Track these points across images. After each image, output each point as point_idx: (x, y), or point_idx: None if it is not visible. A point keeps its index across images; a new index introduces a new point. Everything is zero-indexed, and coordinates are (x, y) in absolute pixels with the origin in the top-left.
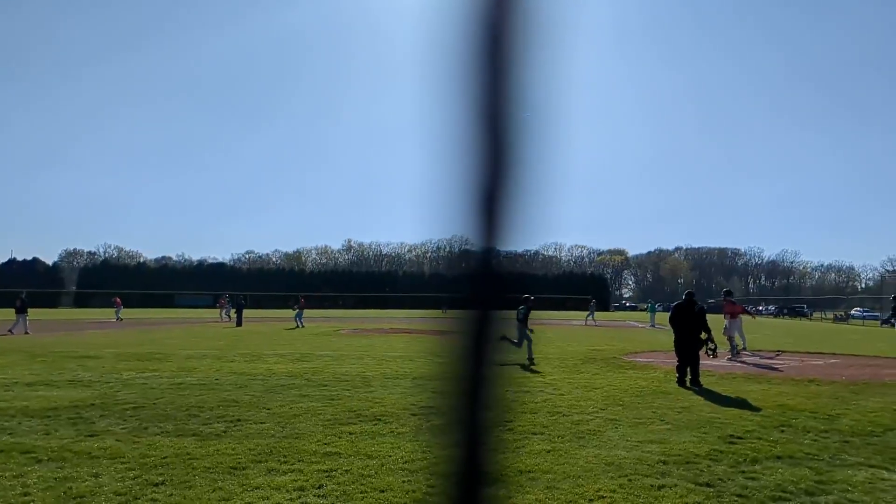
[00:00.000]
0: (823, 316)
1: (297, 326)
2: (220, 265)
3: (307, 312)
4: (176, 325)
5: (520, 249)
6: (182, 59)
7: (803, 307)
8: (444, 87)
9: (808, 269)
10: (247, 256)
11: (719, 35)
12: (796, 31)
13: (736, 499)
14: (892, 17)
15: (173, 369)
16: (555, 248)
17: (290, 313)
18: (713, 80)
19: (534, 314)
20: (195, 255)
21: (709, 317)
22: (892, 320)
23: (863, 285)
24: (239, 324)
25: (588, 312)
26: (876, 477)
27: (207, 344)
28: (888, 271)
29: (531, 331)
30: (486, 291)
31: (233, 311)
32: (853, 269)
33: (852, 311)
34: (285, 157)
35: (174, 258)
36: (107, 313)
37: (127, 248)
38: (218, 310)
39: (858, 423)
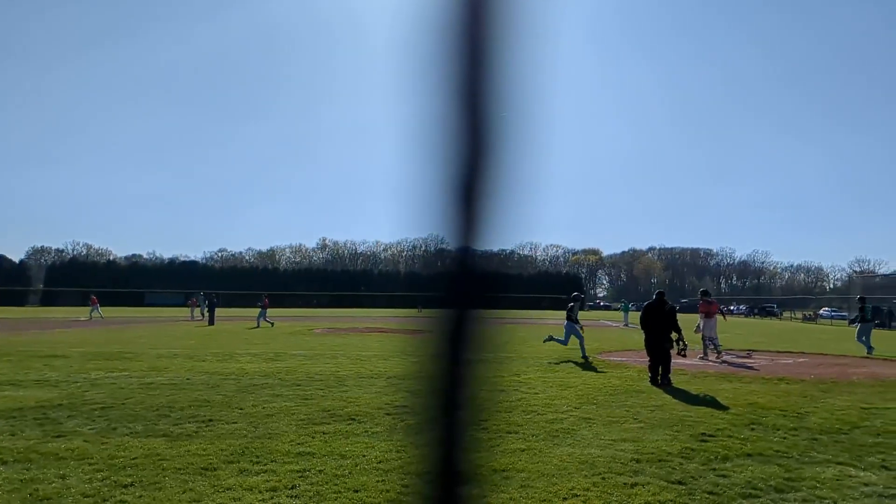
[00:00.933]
0: (793, 315)
1: (258, 326)
2: (193, 263)
3: (277, 312)
4: (146, 324)
5: (496, 248)
6: (155, 56)
7: (773, 307)
8: (423, 86)
9: (779, 270)
10: (219, 255)
11: (696, 38)
12: (773, 35)
13: (707, 496)
14: (866, 18)
15: (143, 369)
16: (530, 248)
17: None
18: (686, 82)
19: (509, 313)
20: (166, 253)
21: (681, 316)
22: (859, 321)
23: (831, 286)
24: (211, 322)
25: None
26: (843, 474)
27: (178, 343)
28: (856, 272)
29: (581, 328)
30: (462, 290)
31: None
32: (822, 269)
33: (821, 311)
34: (259, 156)
35: (145, 256)
36: (75, 311)
37: (96, 246)
38: (189, 308)
39: (826, 421)
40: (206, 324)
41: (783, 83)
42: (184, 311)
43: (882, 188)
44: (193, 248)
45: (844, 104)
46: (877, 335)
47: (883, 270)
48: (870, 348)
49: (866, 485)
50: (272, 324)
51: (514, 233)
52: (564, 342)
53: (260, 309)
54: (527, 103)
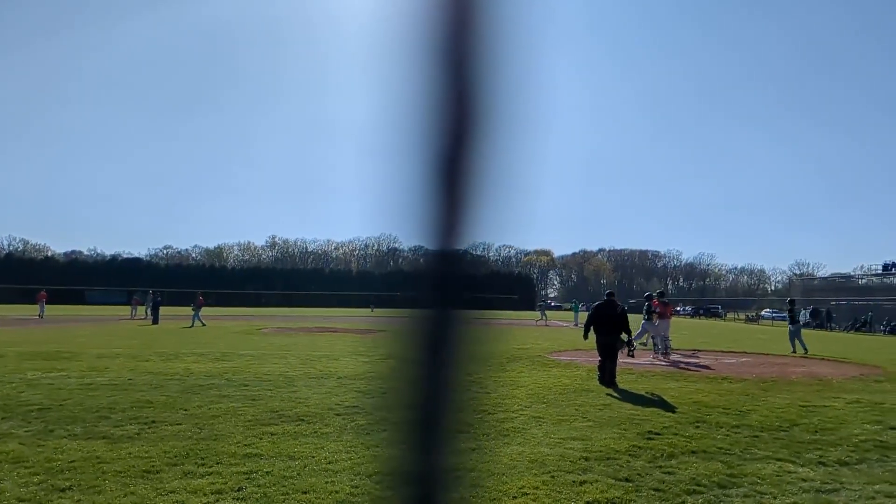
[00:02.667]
0: (736, 316)
1: (193, 325)
2: (136, 260)
3: (225, 311)
4: (87, 323)
5: (451, 248)
6: (98, 46)
7: (718, 308)
8: (383, 84)
9: (723, 272)
10: (164, 252)
11: (656, 41)
12: (727, 39)
13: (653, 493)
14: (811, 23)
15: (83, 369)
16: (483, 248)
17: (210, 311)
18: (640, 87)
19: (463, 313)
20: (108, 250)
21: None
22: (789, 322)
23: (772, 287)
24: (155, 322)
25: (540, 312)
26: (783, 470)
27: (120, 342)
28: (796, 275)
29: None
30: (419, 290)
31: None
32: (764, 272)
33: (762, 312)
34: (207, 150)
35: (85, 252)
36: (14, 309)
37: (33, 241)
38: (130, 307)
39: (767, 419)
40: (150, 323)
41: (733, 86)
42: (126, 310)
43: (821, 195)
44: (137, 244)
45: (787, 116)
46: (817, 335)
47: (821, 273)
48: (794, 349)
49: (804, 480)
50: (200, 324)
51: (467, 233)
52: (639, 336)
53: (195, 308)
54: (492, 103)
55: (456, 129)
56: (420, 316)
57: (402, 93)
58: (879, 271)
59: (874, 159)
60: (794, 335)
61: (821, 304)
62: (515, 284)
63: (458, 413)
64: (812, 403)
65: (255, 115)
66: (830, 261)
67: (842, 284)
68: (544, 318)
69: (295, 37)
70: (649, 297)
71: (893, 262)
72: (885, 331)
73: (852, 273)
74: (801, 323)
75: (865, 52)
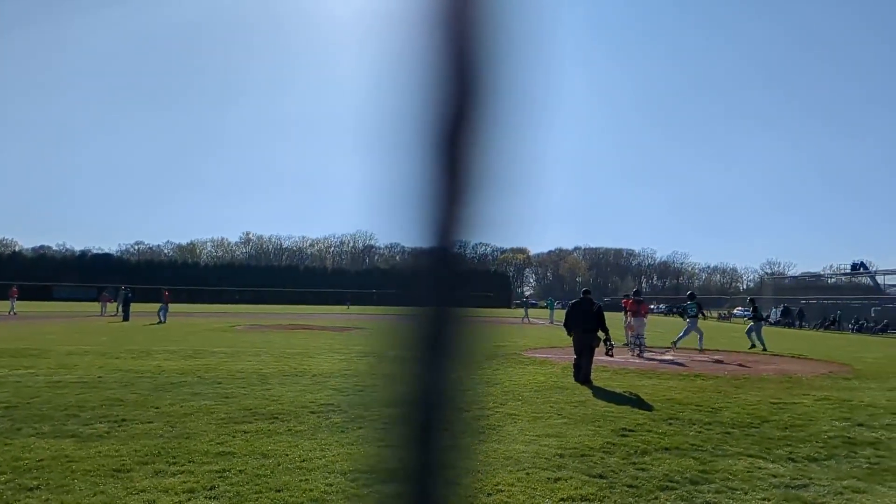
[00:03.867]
0: (709, 314)
1: (164, 321)
2: (106, 256)
3: (197, 308)
4: (55, 319)
5: (432, 245)
6: (71, 39)
7: None
8: (366, 73)
9: (696, 270)
10: (136, 247)
11: (623, 42)
12: (689, 43)
13: (627, 489)
14: (767, 23)
15: (51, 366)
16: (460, 245)
17: (183, 308)
18: (611, 88)
19: (444, 311)
20: (78, 245)
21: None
22: (752, 319)
23: (744, 286)
24: (125, 318)
25: (523, 311)
26: (754, 466)
27: (90, 339)
28: (767, 273)
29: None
30: (397, 287)
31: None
32: (736, 270)
33: (735, 311)
34: (179, 145)
35: (54, 247)
36: None
37: (0, 237)
38: (100, 303)
39: (738, 416)
40: (121, 320)
41: (715, 86)
42: (96, 307)
43: (791, 195)
44: (107, 240)
45: (753, 115)
46: (787, 333)
47: (792, 272)
48: (764, 346)
49: (774, 476)
50: (164, 320)
51: (452, 233)
52: (685, 336)
53: (161, 305)
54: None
55: (449, 121)
56: (397, 313)
57: (387, 81)
58: (848, 271)
59: (850, 157)
60: (755, 331)
61: (791, 302)
62: (491, 282)
63: (434, 410)
64: (782, 400)
65: (230, 110)
66: (801, 259)
67: (812, 283)
68: (527, 317)
69: (267, 28)
70: (692, 296)
71: (861, 262)
72: (853, 329)
73: (822, 272)
74: (770, 321)
75: (858, 47)
